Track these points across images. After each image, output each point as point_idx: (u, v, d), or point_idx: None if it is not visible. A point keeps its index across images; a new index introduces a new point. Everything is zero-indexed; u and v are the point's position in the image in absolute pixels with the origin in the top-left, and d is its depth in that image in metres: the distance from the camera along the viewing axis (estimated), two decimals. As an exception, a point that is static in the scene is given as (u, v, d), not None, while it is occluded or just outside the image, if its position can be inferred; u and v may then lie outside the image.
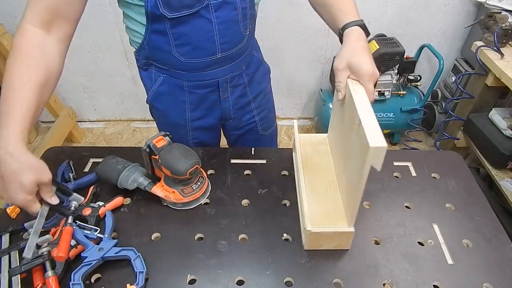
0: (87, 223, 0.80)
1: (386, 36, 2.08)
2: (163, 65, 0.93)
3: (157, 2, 0.76)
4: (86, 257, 0.72)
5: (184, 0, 0.76)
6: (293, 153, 0.98)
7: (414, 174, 0.97)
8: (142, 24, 0.83)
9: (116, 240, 0.75)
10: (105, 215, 0.82)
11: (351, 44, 0.76)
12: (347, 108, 0.75)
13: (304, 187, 0.81)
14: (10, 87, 0.69)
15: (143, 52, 0.91)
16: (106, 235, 0.76)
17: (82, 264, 0.70)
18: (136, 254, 0.73)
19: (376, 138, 0.59)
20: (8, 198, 0.68)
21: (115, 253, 0.73)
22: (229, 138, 1.21)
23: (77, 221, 0.79)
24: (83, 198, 0.84)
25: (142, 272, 0.70)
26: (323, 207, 0.80)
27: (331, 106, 2.16)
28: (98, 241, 0.76)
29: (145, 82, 1.03)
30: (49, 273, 0.69)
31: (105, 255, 0.72)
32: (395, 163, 0.99)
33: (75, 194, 0.84)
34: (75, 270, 0.69)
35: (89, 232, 0.76)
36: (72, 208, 0.81)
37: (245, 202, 0.89)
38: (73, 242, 0.75)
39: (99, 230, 0.77)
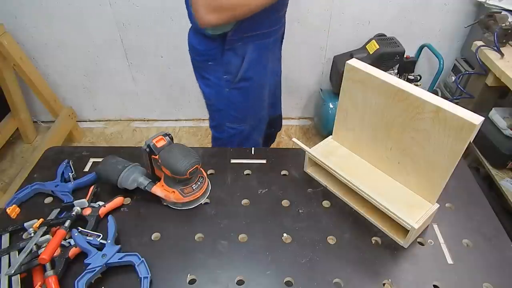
0: (87, 223, 0.80)
1: (386, 36, 2.08)
2: (257, 30, 1.11)
3: None
4: (90, 263, 0.71)
5: None
6: (306, 170, 0.97)
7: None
8: None
9: (119, 246, 0.75)
10: (105, 216, 0.83)
11: None
12: (392, 103, 0.75)
13: (372, 193, 0.80)
14: None
15: (242, 28, 1.06)
16: (109, 241, 0.75)
17: (86, 271, 0.70)
18: (140, 259, 0.72)
19: (472, 116, 0.64)
20: None
21: (119, 259, 0.72)
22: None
23: (79, 228, 0.78)
24: (87, 203, 0.84)
25: (147, 277, 0.70)
26: (399, 201, 0.80)
27: (331, 106, 2.16)
28: (101, 247, 0.75)
29: (232, 61, 1.15)
30: (49, 272, 0.69)
31: (108, 262, 0.72)
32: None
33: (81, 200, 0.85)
34: (79, 278, 0.68)
35: (91, 238, 0.76)
36: (74, 213, 0.81)
37: (245, 202, 0.89)
38: (73, 242, 0.75)
39: (101, 236, 0.76)
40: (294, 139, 0.93)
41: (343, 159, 0.92)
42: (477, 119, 0.63)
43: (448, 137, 0.68)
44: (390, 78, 0.75)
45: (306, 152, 0.92)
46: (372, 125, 0.84)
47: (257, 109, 1.32)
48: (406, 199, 0.82)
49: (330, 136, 0.98)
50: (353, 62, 0.80)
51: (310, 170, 0.96)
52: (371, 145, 0.87)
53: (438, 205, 0.79)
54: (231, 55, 1.12)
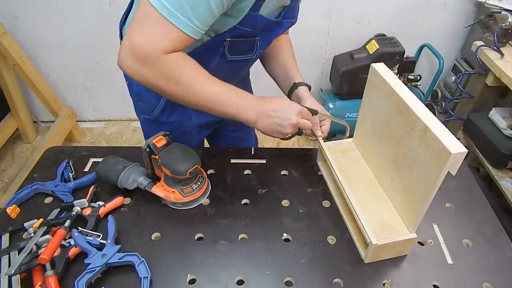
0: (87, 223, 0.80)
1: (386, 36, 2.08)
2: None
3: (224, 46, 0.84)
4: (90, 263, 0.71)
5: (243, 50, 0.89)
6: (318, 163, 0.98)
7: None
8: None
9: (119, 246, 0.74)
10: (105, 215, 0.83)
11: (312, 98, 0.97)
12: (394, 114, 0.72)
13: (354, 199, 0.78)
14: (215, 84, 0.78)
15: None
16: (109, 241, 0.75)
17: (86, 271, 0.70)
18: (140, 259, 0.72)
19: (454, 144, 0.58)
20: (286, 126, 0.81)
21: (119, 259, 0.72)
22: (227, 136, 1.26)
23: (79, 228, 0.78)
24: (87, 203, 0.84)
25: (147, 277, 0.70)
26: (377, 216, 0.77)
27: (331, 106, 2.16)
28: (101, 247, 0.75)
29: (147, 98, 1.01)
30: (49, 272, 0.69)
31: (108, 261, 0.72)
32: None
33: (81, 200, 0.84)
34: (79, 278, 0.68)
35: (91, 238, 0.76)
36: (74, 213, 0.81)
37: (245, 202, 0.89)
38: (73, 242, 0.75)
39: (101, 236, 0.76)
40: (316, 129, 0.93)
41: (350, 162, 0.91)
42: (456, 149, 0.57)
43: (429, 162, 0.63)
44: (400, 87, 0.71)
45: (319, 143, 0.93)
46: (379, 134, 0.81)
47: None
48: (386, 218, 0.77)
49: (352, 138, 0.98)
50: (377, 65, 0.77)
51: (320, 163, 0.97)
52: (376, 155, 0.85)
53: (416, 236, 0.74)
54: (145, 89, 0.93)
